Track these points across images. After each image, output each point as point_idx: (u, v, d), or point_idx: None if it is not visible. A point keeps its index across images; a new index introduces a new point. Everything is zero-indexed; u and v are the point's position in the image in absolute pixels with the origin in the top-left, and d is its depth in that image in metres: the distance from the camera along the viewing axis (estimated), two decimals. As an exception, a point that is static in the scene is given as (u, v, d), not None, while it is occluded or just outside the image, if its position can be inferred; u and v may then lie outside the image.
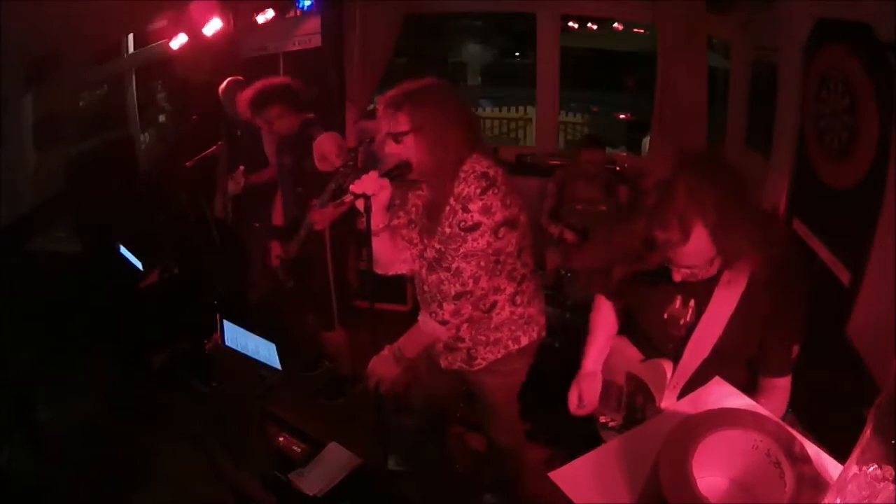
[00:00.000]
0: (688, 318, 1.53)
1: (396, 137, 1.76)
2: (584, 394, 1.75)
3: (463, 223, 1.74)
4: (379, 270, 1.95)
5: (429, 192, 1.89)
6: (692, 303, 1.51)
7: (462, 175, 1.77)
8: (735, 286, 1.44)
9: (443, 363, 2.10)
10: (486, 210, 1.73)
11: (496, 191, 1.74)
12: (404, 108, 1.74)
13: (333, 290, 3.10)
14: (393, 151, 1.78)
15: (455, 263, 1.78)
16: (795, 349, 1.49)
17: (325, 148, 2.79)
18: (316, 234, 2.94)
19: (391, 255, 1.93)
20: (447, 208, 1.80)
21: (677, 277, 1.43)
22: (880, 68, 1.99)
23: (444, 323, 1.85)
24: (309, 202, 2.87)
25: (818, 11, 2.51)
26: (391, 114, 1.76)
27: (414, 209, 1.98)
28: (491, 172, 1.76)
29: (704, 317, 1.48)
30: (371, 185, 1.71)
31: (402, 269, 2.00)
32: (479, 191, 1.73)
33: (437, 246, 1.85)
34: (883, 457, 0.73)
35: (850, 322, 2.09)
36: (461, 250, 1.76)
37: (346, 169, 2.20)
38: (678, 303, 1.53)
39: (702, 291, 1.48)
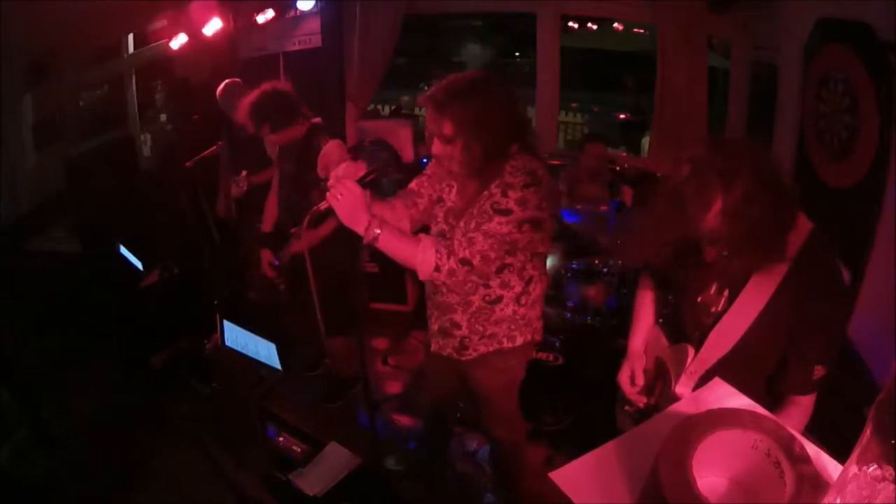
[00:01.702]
0: (719, 307, 1.51)
1: (444, 139, 1.75)
2: (637, 374, 1.75)
3: (496, 205, 1.77)
4: (423, 276, 1.86)
5: (469, 183, 1.87)
6: (726, 292, 1.50)
7: (510, 168, 1.80)
8: (767, 286, 1.42)
9: (433, 347, 2.11)
10: (522, 202, 1.75)
11: (538, 190, 1.77)
12: (448, 110, 1.71)
13: (317, 300, 3.00)
14: (440, 152, 1.79)
15: (471, 234, 1.79)
16: (819, 370, 1.43)
17: (329, 158, 2.74)
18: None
19: (410, 246, 1.81)
20: (485, 193, 1.82)
21: (708, 257, 1.41)
22: (880, 68, 1.99)
23: (437, 269, 1.79)
24: (304, 211, 2.82)
25: (818, 11, 2.52)
26: (435, 115, 1.73)
27: (448, 188, 1.98)
28: (539, 173, 1.80)
29: (733, 308, 1.47)
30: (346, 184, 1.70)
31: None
32: (522, 183, 1.76)
33: (462, 225, 1.87)
34: (883, 457, 0.73)
35: (850, 322, 2.09)
36: (483, 226, 1.78)
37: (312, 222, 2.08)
38: (713, 289, 1.52)
39: (737, 282, 1.47)
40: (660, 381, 1.69)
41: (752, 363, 1.49)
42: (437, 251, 1.78)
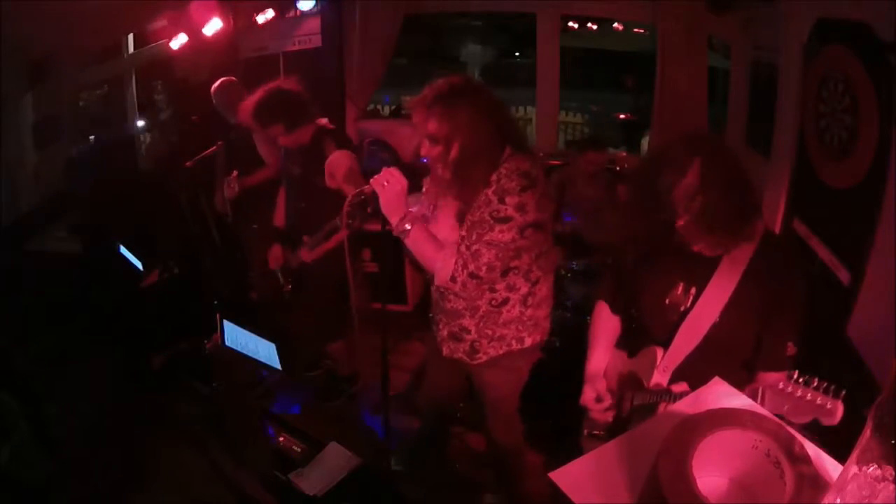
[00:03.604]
0: (688, 305, 1.56)
1: (431, 139, 1.80)
2: (601, 392, 1.76)
3: (496, 213, 1.78)
4: (438, 282, 1.90)
5: (460, 187, 1.89)
6: (693, 290, 1.55)
7: (505, 171, 1.81)
8: (731, 276, 1.49)
9: (444, 351, 2.12)
10: (520, 207, 1.77)
11: (534, 191, 1.79)
12: (435, 112, 1.76)
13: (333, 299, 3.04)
14: (429, 153, 1.83)
15: (475, 246, 1.81)
16: (791, 347, 1.50)
17: (336, 167, 2.65)
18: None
19: (433, 250, 1.86)
20: (482, 198, 1.83)
21: (679, 224, 1.44)
22: (880, 68, 1.99)
23: (452, 279, 1.84)
24: (310, 218, 2.77)
25: (818, 11, 2.51)
26: (422, 117, 1.79)
27: (442, 199, 2.00)
28: (533, 173, 1.82)
29: (700, 301, 1.53)
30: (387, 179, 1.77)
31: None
32: (518, 188, 1.78)
33: (462, 233, 1.88)
34: (883, 457, 0.73)
35: (850, 322, 2.09)
36: (486, 237, 1.80)
37: (354, 211, 2.07)
38: (680, 290, 1.57)
39: (703, 280, 1.53)
40: (628, 392, 1.70)
41: (725, 350, 1.55)
42: (456, 261, 1.82)
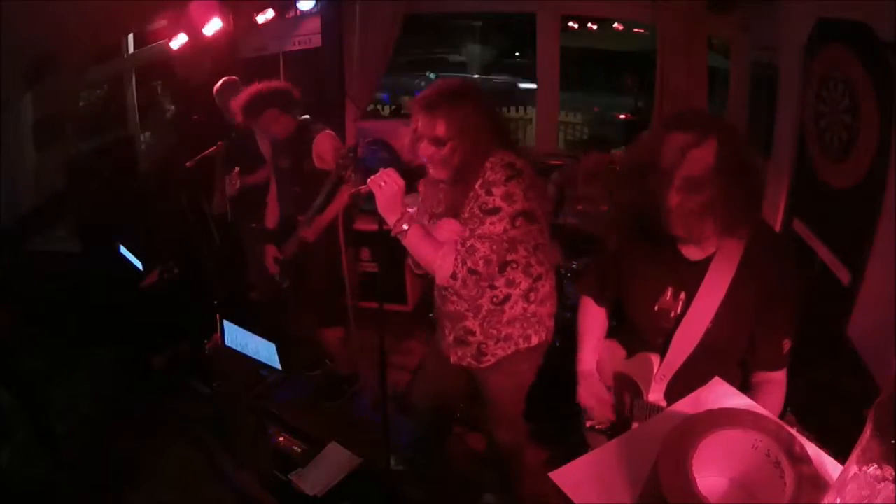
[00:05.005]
0: (678, 311, 1.53)
1: (434, 141, 1.81)
2: (598, 391, 1.75)
3: (484, 205, 1.79)
4: (440, 281, 1.90)
5: (454, 187, 1.90)
6: (682, 295, 1.52)
7: (489, 165, 1.82)
8: (723, 277, 1.45)
9: (452, 358, 2.11)
10: (507, 196, 1.78)
11: (520, 181, 1.80)
12: (441, 112, 1.77)
13: (330, 290, 3.09)
14: (429, 153, 1.84)
15: (470, 241, 1.82)
16: (787, 344, 1.47)
17: (322, 147, 2.84)
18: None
19: (432, 249, 1.86)
20: (471, 194, 1.84)
21: (672, 202, 1.34)
22: (880, 68, 1.99)
23: (453, 277, 1.84)
24: (306, 202, 2.86)
25: (818, 11, 2.51)
26: (427, 118, 1.80)
27: (435, 201, 2.01)
28: (517, 164, 1.83)
29: (692, 307, 1.49)
30: (383, 178, 1.77)
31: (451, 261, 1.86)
32: (504, 178, 1.78)
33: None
34: (883, 457, 0.73)
35: (850, 322, 2.09)
36: (478, 231, 1.80)
37: (345, 161, 2.18)
38: (669, 295, 1.54)
39: (693, 284, 1.49)
40: (626, 394, 1.68)
41: (721, 353, 1.51)
42: (455, 259, 1.82)
